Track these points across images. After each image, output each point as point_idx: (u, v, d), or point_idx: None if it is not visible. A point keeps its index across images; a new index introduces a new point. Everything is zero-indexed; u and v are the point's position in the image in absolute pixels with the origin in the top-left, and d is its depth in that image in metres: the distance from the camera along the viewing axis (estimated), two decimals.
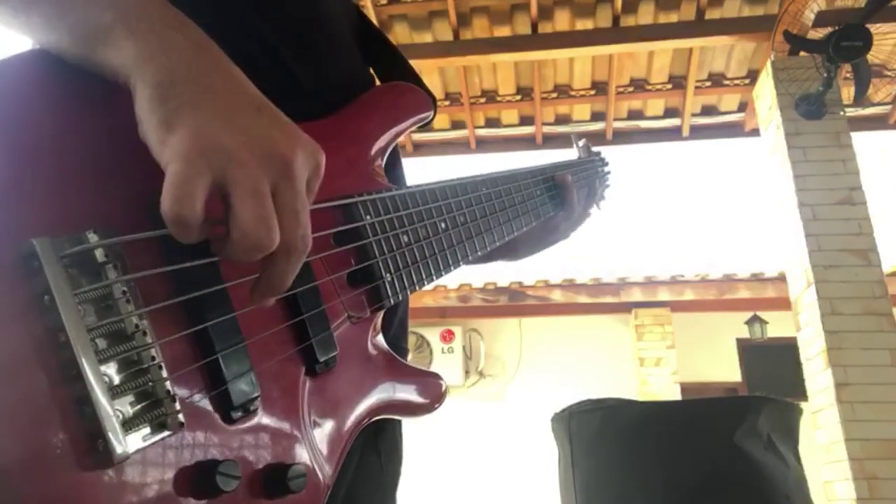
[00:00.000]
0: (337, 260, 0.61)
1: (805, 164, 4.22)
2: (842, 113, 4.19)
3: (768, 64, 4.48)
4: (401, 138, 0.76)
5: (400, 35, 4.80)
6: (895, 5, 3.74)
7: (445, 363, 7.19)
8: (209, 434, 0.45)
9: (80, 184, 0.43)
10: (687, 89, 5.14)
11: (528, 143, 5.68)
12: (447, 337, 7.35)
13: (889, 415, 3.66)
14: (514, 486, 6.74)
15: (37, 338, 0.38)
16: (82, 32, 0.45)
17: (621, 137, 5.56)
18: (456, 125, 5.62)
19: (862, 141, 4.84)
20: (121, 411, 0.40)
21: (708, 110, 5.42)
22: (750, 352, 7.36)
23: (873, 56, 3.74)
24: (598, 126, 5.53)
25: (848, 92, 4.03)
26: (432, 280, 0.72)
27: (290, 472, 0.48)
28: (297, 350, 0.54)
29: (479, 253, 0.82)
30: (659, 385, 6.88)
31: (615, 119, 5.44)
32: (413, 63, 0.87)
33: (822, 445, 3.92)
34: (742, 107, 5.31)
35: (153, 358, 0.43)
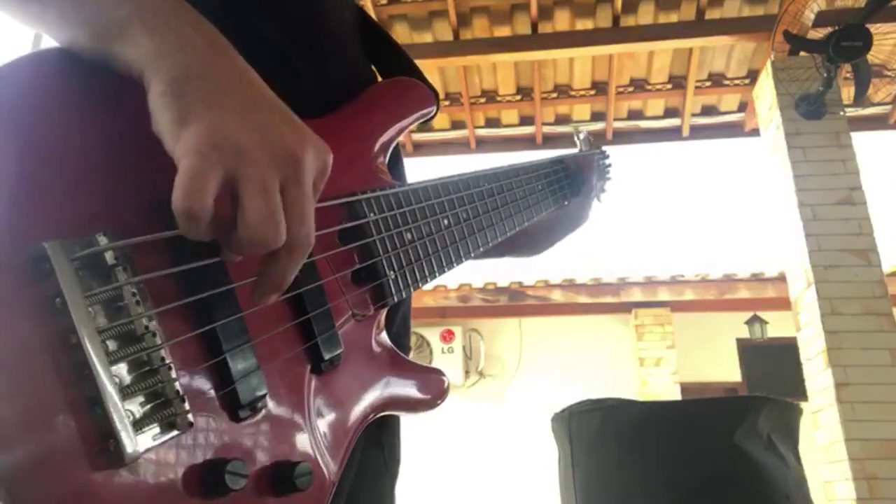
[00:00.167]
0: (341, 258, 0.61)
1: (805, 164, 4.22)
2: (842, 113, 4.19)
3: (768, 64, 4.49)
4: (403, 135, 0.76)
5: (400, 35, 4.80)
6: (895, 5, 3.74)
7: (445, 363, 7.19)
8: (217, 433, 0.46)
9: (89, 185, 0.43)
10: (687, 89, 5.14)
11: (528, 143, 5.68)
12: (447, 337, 7.36)
13: (889, 415, 3.66)
14: (514, 486, 6.74)
15: (48, 340, 0.38)
16: (97, 27, 0.45)
17: (621, 137, 5.57)
18: (456, 125, 5.62)
19: (862, 141, 4.84)
20: (131, 411, 0.40)
21: (708, 110, 5.42)
22: (750, 352, 7.36)
23: (873, 56, 3.74)
24: (598, 126, 5.53)
25: (848, 92, 4.03)
26: (435, 277, 0.73)
27: (297, 470, 0.48)
28: (303, 348, 0.55)
29: (482, 249, 0.82)
30: (659, 385, 6.88)
31: (615, 119, 5.44)
32: (417, 65, 0.87)
33: (822, 445, 3.92)
34: (742, 107, 5.31)
35: (163, 359, 0.43)
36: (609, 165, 1.26)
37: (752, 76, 4.99)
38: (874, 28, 3.65)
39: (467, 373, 7.46)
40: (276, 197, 0.43)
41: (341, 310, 0.60)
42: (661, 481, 1.86)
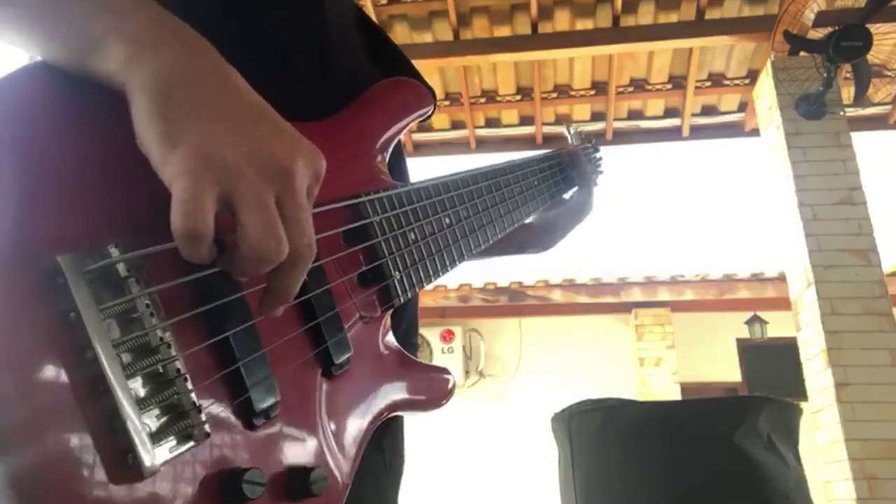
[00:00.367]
0: (347, 260, 0.61)
1: (805, 164, 4.22)
2: (842, 113, 4.19)
3: (768, 64, 4.49)
4: (403, 134, 0.77)
5: (400, 35, 4.80)
6: (895, 5, 3.75)
7: (445, 363, 7.13)
8: (233, 443, 0.46)
9: (97, 197, 0.43)
10: (687, 89, 5.15)
11: (528, 143, 5.68)
12: (447, 337, 7.36)
13: (889, 415, 3.67)
14: (514, 485, 6.75)
15: (64, 355, 0.38)
16: (75, 43, 0.44)
17: (621, 137, 5.57)
18: (456, 125, 5.63)
19: (862, 141, 4.85)
20: (148, 425, 0.40)
21: (708, 110, 5.42)
22: (750, 352, 7.36)
23: (873, 56, 3.74)
24: (598, 126, 5.53)
25: (848, 92, 4.03)
26: (439, 276, 0.73)
27: (312, 476, 0.48)
28: (314, 353, 0.55)
29: (483, 246, 0.83)
30: (659, 385, 6.89)
31: (615, 119, 5.45)
32: (413, 63, 0.87)
33: (822, 445, 3.93)
34: (742, 107, 5.31)
35: (178, 370, 0.43)
36: (600, 159, 1.27)
37: (752, 76, 4.99)
38: (874, 28, 3.65)
39: (467, 373, 7.46)
40: (272, 211, 0.42)
41: (349, 313, 0.60)
42: (662, 481, 1.86)
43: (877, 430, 3.65)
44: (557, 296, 7.24)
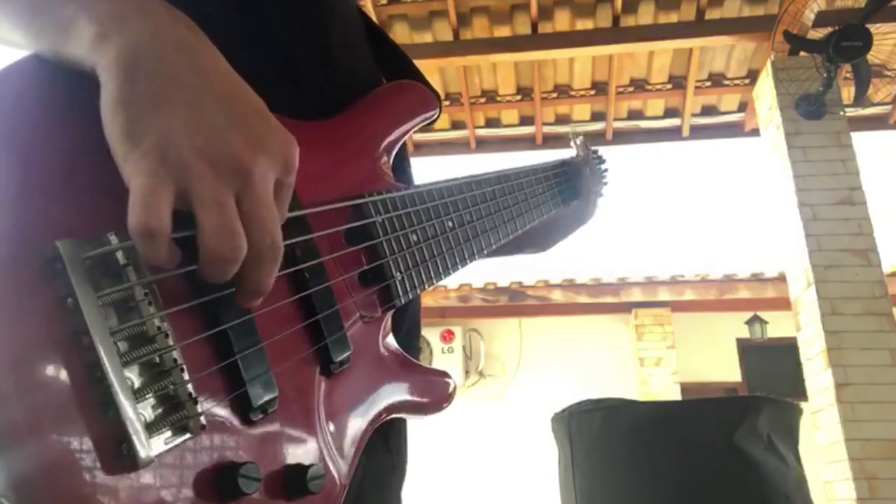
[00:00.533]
0: (348, 259, 0.61)
1: (805, 164, 4.23)
2: (842, 113, 4.19)
3: (768, 64, 4.49)
4: (407, 137, 0.77)
5: (400, 35, 4.80)
6: (895, 5, 3.75)
7: (445, 363, 7.19)
8: (229, 436, 0.45)
9: (96, 185, 0.43)
10: (687, 89, 5.15)
11: (528, 143, 5.69)
12: (447, 337, 7.36)
13: (889, 415, 3.67)
14: (514, 486, 6.75)
15: (60, 341, 0.38)
16: (51, 33, 0.44)
17: (621, 137, 5.57)
18: (456, 125, 5.63)
19: (862, 141, 4.85)
20: (143, 414, 0.40)
21: (708, 110, 5.43)
22: (750, 352, 7.36)
23: (873, 56, 3.74)
24: (598, 126, 5.54)
25: (848, 92, 4.04)
26: (441, 278, 0.73)
27: (310, 473, 0.48)
28: (313, 350, 0.54)
29: (486, 252, 0.82)
30: (659, 385, 6.89)
31: (615, 119, 5.45)
32: (416, 66, 0.87)
33: (822, 445, 3.93)
34: (742, 107, 5.31)
35: (175, 361, 0.42)
36: (605, 170, 1.26)
37: (752, 76, 4.99)
38: (874, 28, 3.66)
39: (467, 373, 7.47)
40: (227, 209, 0.41)
41: (350, 311, 0.59)
42: (662, 481, 1.86)
43: (877, 430, 3.65)
44: (557, 296, 7.24)
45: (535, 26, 4.71)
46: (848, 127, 4.31)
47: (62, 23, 0.44)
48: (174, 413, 0.42)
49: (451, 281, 7.24)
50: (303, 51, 0.70)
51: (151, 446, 0.39)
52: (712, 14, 4.62)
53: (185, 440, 0.42)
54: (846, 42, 3.65)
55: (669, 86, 5.21)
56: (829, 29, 3.75)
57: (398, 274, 0.65)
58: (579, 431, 2.07)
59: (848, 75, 4.10)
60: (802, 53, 4.11)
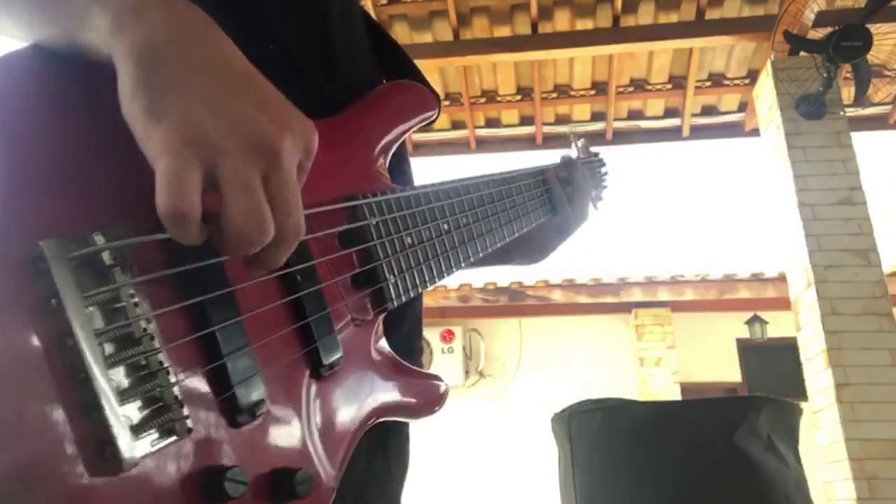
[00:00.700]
0: (341, 262, 0.60)
1: (805, 164, 4.22)
2: (842, 113, 4.19)
3: (768, 64, 4.49)
4: (406, 137, 0.76)
5: (400, 35, 4.80)
6: (895, 5, 3.74)
7: (445, 363, 7.19)
8: (216, 439, 0.45)
9: (84, 184, 0.42)
10: (687, 89, 5.15)
11: (528, 143, 5.69)
12: (447, 337, 7.36)
13: (889, 415, 3.66)
14: (514, 486, 6.74)
15: (44, 342, 0.37)
16: (64, 20, 0.44)
17: (621, 137, 5.57)
18: (456, 125, 5.63)
19: (862, 141, 4.85)
20: (128, 417, 0.39)
21: (708, 110, 5.43)
22: (750, 352, 7.36)
23: (873, 56, 3.74)
24: (598, 126, 5.53)
25: (848, 92, 4.03)
26: (435, 282, 0.72)
27: (297, 477, 0.47)
28: (302, 353, 0.54)
29: (481, 255, 0.81)
30: (659, 385, 6.89)
31: (615, 119, 5.44)
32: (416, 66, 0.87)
33: (822, 445, 3.92)
34: (742, 107, 5.31)
35: (161, 363, 0.42)
36: (606, 173, 1.24)
37: (752, 76, 4.99)
38: (874, 28, 3.65)
39: (467, 373, 7.46)
40: (256, 191, 0.41)
41: (341, 314, 0.59)
42: (662, 481, 1.86)
43: (877, 430, 3.65)
44: (557, 296, 7.24)
45: (535, 26, 4.71)
46: (848, 127, 4.31)
47: (77, 10, 0.44)
48: (160, 416, 0.41)
49: (452, 281, 7.23)
50: (303, 50, 0.70)
51: (136, 449, 0.39)
52: (712, 14, 4.61)
53: (171, 443, 0.42)
54: (846, 42, 3.64)
55: (669, 86, 5.21)
56: (829, 29, 3.75)
57: (391, 277, 0.65)
58: (579, 431, 2.06)
59: (848, 75, 4.10)
60: (802, 53, 4.11)
